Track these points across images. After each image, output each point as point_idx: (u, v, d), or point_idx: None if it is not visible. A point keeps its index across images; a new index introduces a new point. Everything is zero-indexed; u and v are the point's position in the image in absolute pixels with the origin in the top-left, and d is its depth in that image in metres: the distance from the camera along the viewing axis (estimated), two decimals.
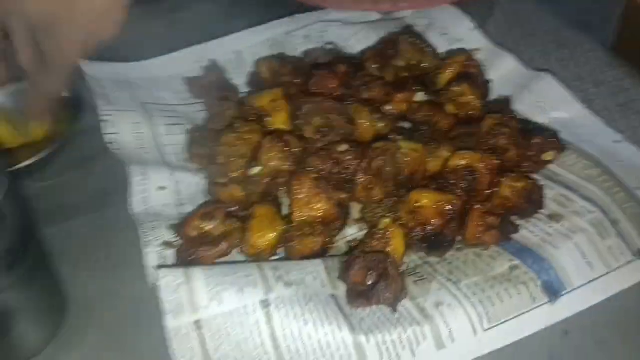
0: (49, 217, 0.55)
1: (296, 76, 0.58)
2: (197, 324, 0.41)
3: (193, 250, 0.46)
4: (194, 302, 0.41)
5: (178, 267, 0.44)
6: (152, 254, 0.47)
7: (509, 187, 0.49)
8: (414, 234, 0.47)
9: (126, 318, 0.46)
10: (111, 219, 0.53)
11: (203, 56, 0.67)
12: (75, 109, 0.59)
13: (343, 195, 0.49)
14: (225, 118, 0.57)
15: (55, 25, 0.53)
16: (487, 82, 0.61)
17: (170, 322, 0.41)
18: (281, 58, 0.63)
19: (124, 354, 0.44)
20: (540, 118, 0.58)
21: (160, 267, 0.44)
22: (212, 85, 0.63)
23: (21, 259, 0.41)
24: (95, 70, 0.63)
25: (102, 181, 0.56)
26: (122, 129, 0.57)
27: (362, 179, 0.49)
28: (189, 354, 0.40)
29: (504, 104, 0.57)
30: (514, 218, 0.49)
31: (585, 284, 0.45)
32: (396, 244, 0.46)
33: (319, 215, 0.48)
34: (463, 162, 0.49)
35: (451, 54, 0.64)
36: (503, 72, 0.63)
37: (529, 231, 0.48)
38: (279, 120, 0.55)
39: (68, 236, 0.53)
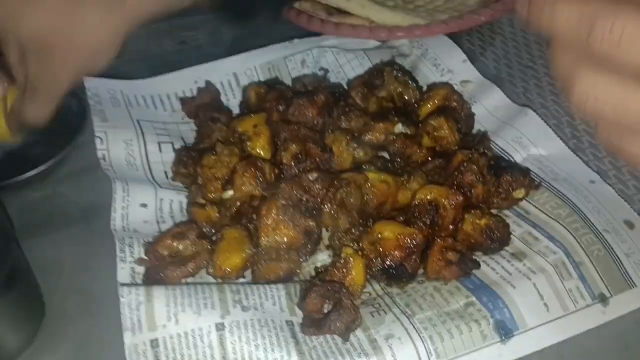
0: (40, 227, 0.58)
1: (280, 103, 0.60)
2: (153, 343, 0.43)
3: (161, 269, 0.48)
4: (152, 321, 0.43)
5: (141, 286, 0.46)
6: (124, 270, 0.49)
7: (471, 224, 0.49)
8: (375, 265, 0.48)
9: (100, 330, 0.48)
10: (98, 232, 0.54)
11: (201, 77, 0.68)
12: (79, 119, 0.62)
13: (310, 223, 0.50)
14: (211, 139, 0.59)
15: (48, 53, 0.53)
16: (471, 115, 0.61)
17: (128, 339, 0.43)
18: (269, 84, 0.65)
19: None
20: (518, 154, 0.57)
21: (124, 285, 0.46)
22: (205, 105, 0.65)
23: None
24: (95, 86, 0.65)
25: (97, 194, 0.58)
26: (114, 145, 0.60)
27: (328, 208, 0.50)
28: None
29: (481, 138, 0.57)
30: (477, 254, 0.49)
31: (540, 325, 0.45)
32: (356, 273, 0.47)
33: (285, 241, 0.49)
34: (429, 196, 0.50)
35: (441, 84, 0.64)
36: (489, 105, 0.63)
37: (490, 268, 0.48)
38: (259, 145, 0.56)
39: (55, 246, 0.56)
